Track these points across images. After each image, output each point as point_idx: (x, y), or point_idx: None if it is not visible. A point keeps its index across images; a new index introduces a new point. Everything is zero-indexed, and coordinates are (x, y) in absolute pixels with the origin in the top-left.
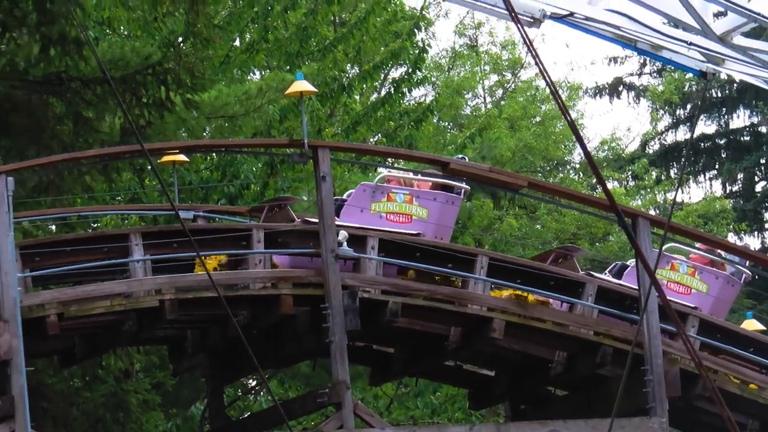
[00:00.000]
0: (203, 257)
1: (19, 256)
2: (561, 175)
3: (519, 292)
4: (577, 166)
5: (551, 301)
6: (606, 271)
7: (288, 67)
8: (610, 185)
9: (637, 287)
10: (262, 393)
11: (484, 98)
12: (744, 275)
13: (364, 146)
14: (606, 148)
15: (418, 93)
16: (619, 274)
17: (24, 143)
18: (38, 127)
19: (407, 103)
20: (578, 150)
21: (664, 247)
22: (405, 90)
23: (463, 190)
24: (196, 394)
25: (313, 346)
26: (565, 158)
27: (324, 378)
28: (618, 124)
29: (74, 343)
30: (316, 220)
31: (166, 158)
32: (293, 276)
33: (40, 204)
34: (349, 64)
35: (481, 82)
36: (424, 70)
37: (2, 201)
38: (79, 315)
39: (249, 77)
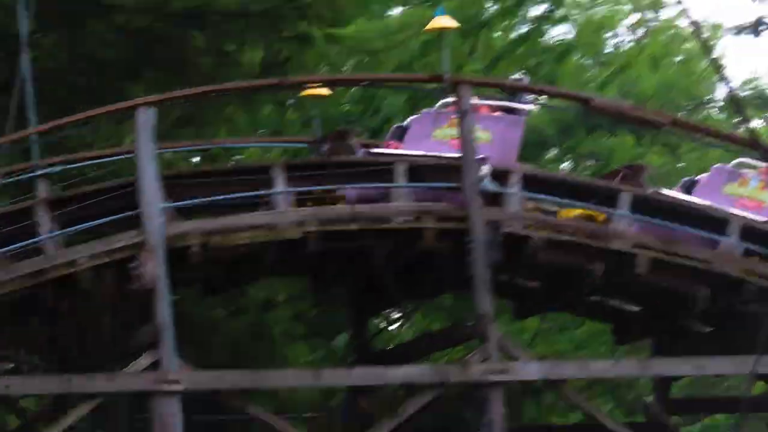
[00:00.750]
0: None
1: (162, 186)
2: (704, 113)
3: None
4: (721, 104)
5: None
6: (676, 187)
7: (429, 3)
8: (752, 124)
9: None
10: (405, 325)
11: (626, 37)
12: None
13: (504, 81)
14: (747, 88)
15: (558, 31)
16: (688, 190)
17: (166, 76)
18: (180, 60)
19: (548, 41)
20: (721, 88)
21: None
22: (545, 28)
23: (524, 111)
24: (339, 326)
25: (456, 279)
26: (707, 97)
27: (467, 311)
28: (760, 63)
29: (217, 273)
30: (381, 151)
31: (308, 91)
32: (436, 210)
33: (183, 136)
34: (489, 1)
35: (622, 20)
36: (564, 8)
37: (145, 132)
38: (223, 245)
39: (389, 13)
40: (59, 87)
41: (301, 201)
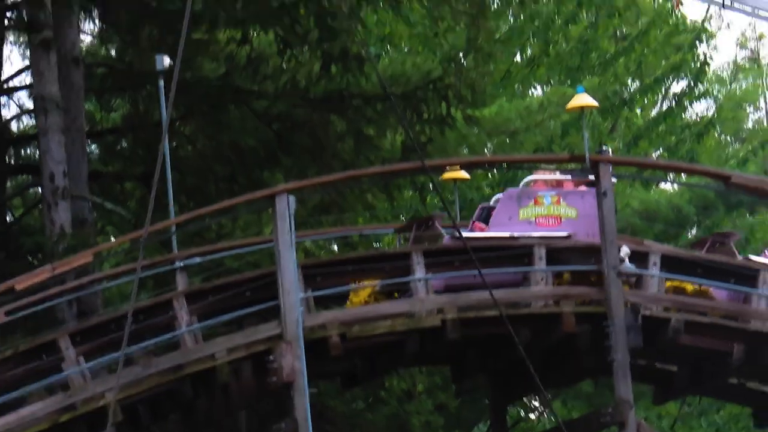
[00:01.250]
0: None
1: (301, 275)
2: None
3: None
4: None
5: None
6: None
7: (569, 82)
8: None
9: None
10: (545, 413)
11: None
12: None
13: (644, 160)
14: None
15: (699, 107)
16: (485, 220)
17: (305, 162)
18: (319, 145)
19: (688, 117)
20: None
21: None
22: (686, 104)
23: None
24: (478, 415)
25: (594, 364)
26: None
27: (607, 397)
28: None
29: (356, 364)
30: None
31: (447, 175)
32: (575, 294)
33: (321, 223)
34: (629, 78)
35: (763, 94)
36: (705, 83)
37: (284, 220)
38: (361, 335)
39: (530, 92)
40: (199, 175)
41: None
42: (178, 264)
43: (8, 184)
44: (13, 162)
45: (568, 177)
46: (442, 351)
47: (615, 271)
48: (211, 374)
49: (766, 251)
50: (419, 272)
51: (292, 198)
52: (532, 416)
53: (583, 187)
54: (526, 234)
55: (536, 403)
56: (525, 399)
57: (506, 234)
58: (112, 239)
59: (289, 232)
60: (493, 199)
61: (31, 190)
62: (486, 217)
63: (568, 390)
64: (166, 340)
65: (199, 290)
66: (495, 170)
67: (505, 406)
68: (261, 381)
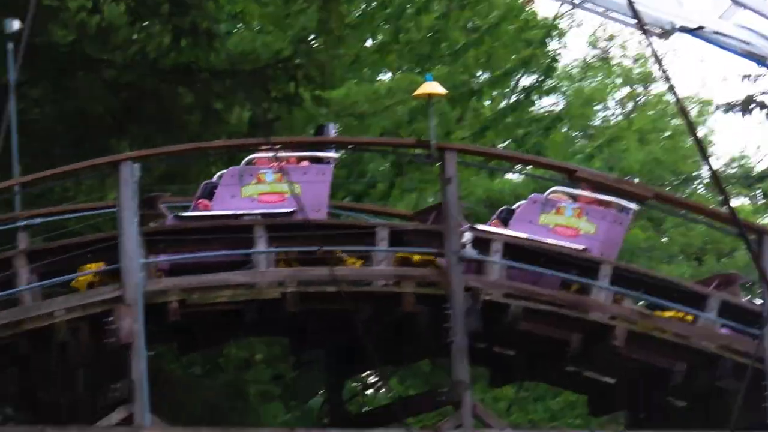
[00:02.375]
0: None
1: (143, 242)
2: (689, 190)
3: None
4: (706, 181)
5: None
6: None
7: (418, 70)
8: (738, 202)
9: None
10: (381, 390)
11: (615, 110)
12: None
13: (491, 150)
14: (735, 164)
15: (548, 102)
16: (505, 221)
17: (152, 131)
18: (167, 116)
19: (536, 112)
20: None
21: None
22: (535, 98)
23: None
24: (316, 387)
25: (433, 345)
26: (694, 173)
27: (443, 378)
28: (748, 141)
29: (195, 330)
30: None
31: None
32: (416, 275)
33: (166, 192)
34: (479, 69)
35: (611, 93)
36: (554, 79)
37: (128, 186)
38: (201, 303)
39: (379, 77)
40: (44, 139)
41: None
42: (21, 223)
43: None
44: None
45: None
46: (282, 323)
47: (456, 256)
48: (49, 332)
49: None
50: (261, 245)
51: (136, 166)
52: (369, 392)
53: (305, 163)
54: (249, 211)
55: (374, 379)
56: (363, 375)
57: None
58: None
59: (132, 199)
60: (216, 175)
61: None
62: (209, 194)
63: (407, 369)
64: (4, 296)
65: (41, 249)
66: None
67: (344, 381)
68: (99, 342)
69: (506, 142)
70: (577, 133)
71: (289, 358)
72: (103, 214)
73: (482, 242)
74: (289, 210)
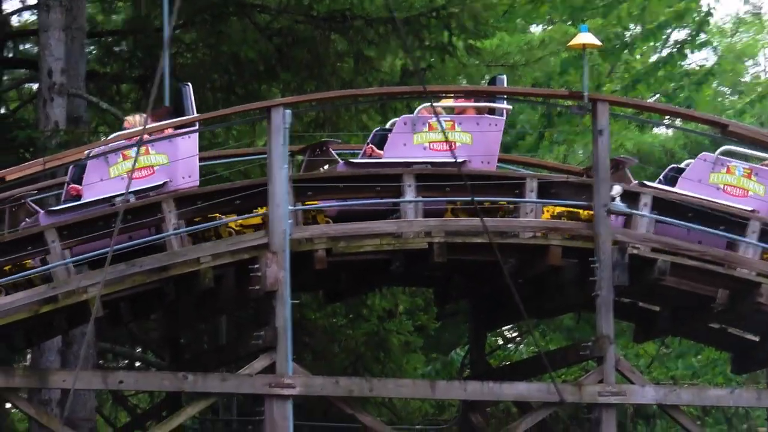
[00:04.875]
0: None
1: (292, 189)
2: None
3: None
4: None
5: None
6: (659, 178)
7: (570, 22)
8: None
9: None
10: (522, 344)
11: (765, 66)
12: None
13: (643, 102)
14: None
15: (699, 56)
16: (674, 179)
17: (303, 78)
18: (318, 62)
19: (687, 66)
20: None
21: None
22: (686, 52)
23: (504, 111)
24: (457, 339)
25: (578, 299)
26: None
27: (587, 332)
28: None
29: (340, 279)
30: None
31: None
32: (564, 227)
33: (316, 139)
34: (632, 23)
35: (763, 50)
36: (707, 34)
37: (279, 133)
38: (347, 252)
39: (531, 28)
40: (197, 83)
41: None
42: None
43: (5, 77)
44: (11, 55)
45: (468, 104)
46: (427, 273)
47: (605, 209)
48: (195, 278)
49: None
50: (409, 194)
51: (288, 112)
52: (510, 346)
53: (480, 114)
54: (418, 159)
55: (514, 334)
56: (504, 329)
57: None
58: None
59: (283, 145)
60: (389, 123)
61: (28, 85)
62: (380, 140)
63: (549, 322)
64: (152, 241)
65: (188, 195)
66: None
67: (485, 333)
68: (243, 289)
69: (656, 96)
70: (727, 89)
71: (431, 309)
72: (252, 161)
73: (631, 196)
74: (460, 159)
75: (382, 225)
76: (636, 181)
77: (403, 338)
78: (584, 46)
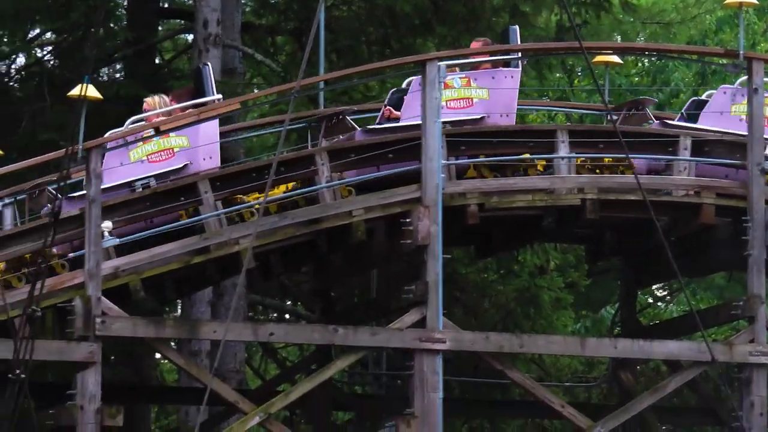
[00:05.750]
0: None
1: (445, 143)
2: None
3: None
4: None
5: None
6: (681, 112)
7: None
8: None
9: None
10: (672, 303)
11: None
12: None
13: None
14: None
15: None
16: (695, 112)
17: (459, 32)
18: (474, 16)
19: None
20: None
21: None
22: None
23: (519, 63)
24: (607, 296)
25: (729, 257)
26: None
27: (738, 291)
28: None
29: (492, 234)
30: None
31: (599, 58)
32: (717, 186)
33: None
34: None
35: None
36: None
37: (433, 87)
38: (500, 207)
39: None
40: (351, 36)
41: (589, 168)
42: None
43: (160, 27)
44: (167, 6)
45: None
46: (578, 230)
47: (759, 168)
48: (346, 231)
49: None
50: (563, 150)
51: (442, 65)
52: (659, 304)
53: (495, 68)
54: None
55: (664, 292)
56: (653, 287)
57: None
58: (255, 91)
59: (437, 99)
60: (405, 82)
61: (183, 36)
62: (397, 102)
63: (699, 281)
64: (305, 193)
65: (342, 148)
66: (645, 61)
67: (636, 291)
68: (395, 242)
69: None
70: None
71: (582, 266)
72: None
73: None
74: (477, 116)
75: (535, 181)
76: (656, 121)
77: (553, 295)
78: (741, 5)
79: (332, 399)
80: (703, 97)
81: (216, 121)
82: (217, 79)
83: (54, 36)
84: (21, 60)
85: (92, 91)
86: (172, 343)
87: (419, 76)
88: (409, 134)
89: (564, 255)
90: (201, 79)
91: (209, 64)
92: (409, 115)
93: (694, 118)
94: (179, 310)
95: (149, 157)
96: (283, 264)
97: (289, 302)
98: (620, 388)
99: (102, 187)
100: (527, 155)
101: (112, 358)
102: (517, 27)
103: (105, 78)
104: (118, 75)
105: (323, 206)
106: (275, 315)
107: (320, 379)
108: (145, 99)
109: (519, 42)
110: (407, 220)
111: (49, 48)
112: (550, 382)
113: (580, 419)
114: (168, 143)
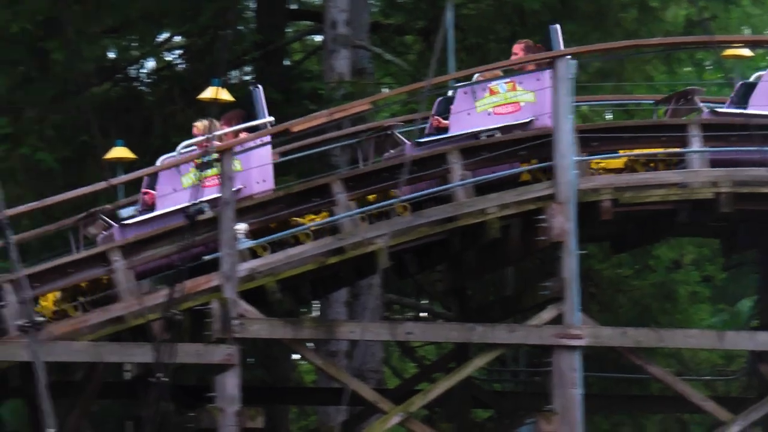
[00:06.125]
0: None
1: (577, 139)
2: None
3: None
4: None
5: None
6: (731, 96)
7: None
8: None
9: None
10: None
11: None
12: None
13: None
14: None
15: None
16: (744, 96)
17: (587, 28)
18: (602, 13)
19: None
20: None
21: None
22: None
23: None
24: (744, 290)
25: None
26: None
27: None
28: None
29: (626, 230)
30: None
31: (729, 52)
32: None
33: (600, 89)
34: None
35: None
36: None
37: (564, 83)
38: (633, 202)
39: None
40: (480, 33)
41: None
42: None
43: (288, 29)
44: (296, 7)
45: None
46: (713, 224)
47: None
48: (481, 229)
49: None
50: (695, 145)
51: (572, 62)
52: None
53: (539, 70)
54: (485, 127)
55: None
56: None
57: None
58: (384, 90)
59: (568, 96)
60: (449, 92)
61: (311, 37)
62: (444, 110)
63: None
64: (439, 192)
65: (474, 146)
66: None
67: None
68: (529, 239)
69: None
70: None
71: (718, 259)
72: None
73: None
74: (525, 120)
75: (668, 175)
76: (707, 109)
77: (690, 289)
78: None
79: (471, 397)
80: (751, 79)
81: (269, 146)
82: (347, 79)
83: (183, 39)
84: (151, 64)
85: (223, 94)
86: (310, 344)
87: (461, 89)
88: (540, 130)
89: (699, 248)
90: (252, 101)
91: (260, 86)
92: (457, 124)
93: (743, 102)
94: (313, 312)
95: (495, 108)
96: (417, 263)
97: (424, 301)
98: (760, 381)
99: (155, 213)
100: (660, 150)
101: (250, 360)
102: (558, 26)
103: (235, 80)
104: (247, 77)
105: (457, 204)
106: (411, 314)
107: (459, 377)
108: (195, 123)
109: (561, 41)
110: (541, 216)
111: (179, 51)
112: (688, 376)
113: (720, 413)
114: (514, 97)
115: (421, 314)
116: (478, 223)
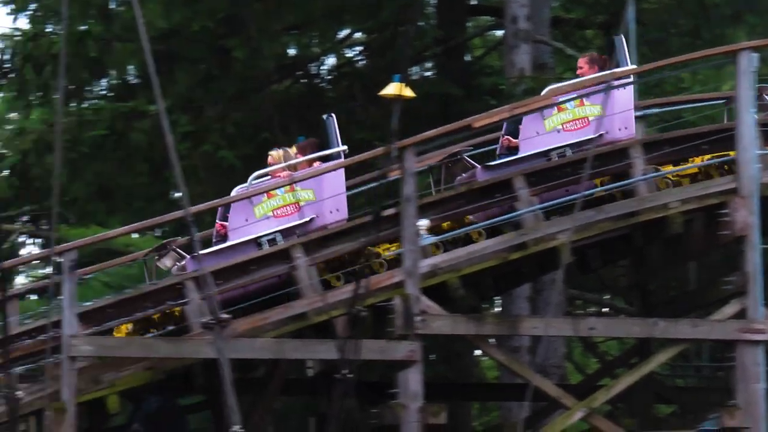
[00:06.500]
0: None
1: (759, 132)
2: None
3: None
4: None
5: None
6: None
7: None
8: None
9: None
10: None
11: None
12: None
13: None
14: None
15: None
16: None
17: None
18: None
19: None
20: None
21: None
22: None
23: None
24: None
25: None
26: None
27: None
28: None
29: None
30: None
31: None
32: None
33: None
34: None
35: None
36: None
37: (746, 77)
38: None
39: None
40: (662, 28)
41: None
42: (637, 113)
43: (469, 24)
44: (476, 3)
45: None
46: None
47: None
48: (663, 224)
49: None
50: None
51: (754, 55)
52: None
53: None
54: (556, 145)
55: None
56: None
57: None
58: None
59: (750, 89)
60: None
61: (492, 32)
62: (513, 131)
63: None
64: (620, 186)
65: (655, 140)
66: None
67: None
68: (712, 234)
69: None
70: None
71: None
72: (718, 105)
73: None
74: (591, 136)
75: None
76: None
77: None
78: None
79: (654, 392)
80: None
81: (342, 174)
82: (528, 74)
83: (364, 36)
84: (332, 61)
85: (406, 91)
86: (492, 340)
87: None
88: (725, 125)
89: None
90: (326, 129)
91: (333, 115)
92: (527, 143)
93: None
94: (493, 308)
95: (564, 125)
96: (600, 258)
97: (607, 296)
98: None
99: (227, 244)
100: None
101: (432, 356)
102: (622, 36)
103: (416, 76)
104: (428, 73)
105: (639, 199)
106: (593, 309)
107: (642, 373)
108: (270, 153)
109: (626, 52)
110: (724, 211)
111: (359, 48)
112: None
113: None
114: (582, 112)
115: (603, 309)
116: (660, 218)
